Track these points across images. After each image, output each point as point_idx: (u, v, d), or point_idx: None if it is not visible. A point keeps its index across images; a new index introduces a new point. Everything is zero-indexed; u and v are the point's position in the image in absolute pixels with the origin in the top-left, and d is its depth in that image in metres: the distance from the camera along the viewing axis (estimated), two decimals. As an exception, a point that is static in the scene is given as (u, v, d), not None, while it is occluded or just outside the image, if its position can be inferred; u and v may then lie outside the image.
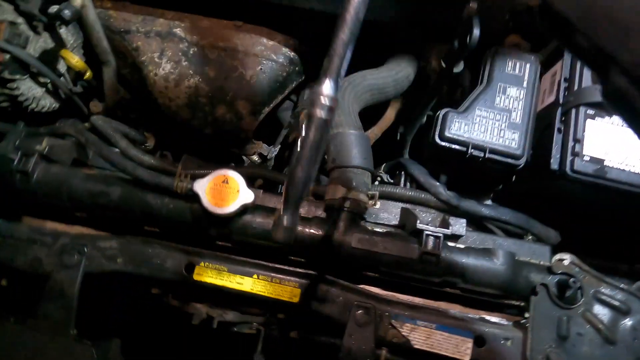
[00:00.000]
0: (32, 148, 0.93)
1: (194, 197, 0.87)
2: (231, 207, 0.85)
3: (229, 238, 0.92)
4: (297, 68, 1.20)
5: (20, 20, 1.00)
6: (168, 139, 1.29)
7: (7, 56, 0.94)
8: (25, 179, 0.92)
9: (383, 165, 1.15)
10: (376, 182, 1.14)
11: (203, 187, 0.86)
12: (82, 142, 0.95)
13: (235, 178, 0.87)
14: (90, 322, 0.93)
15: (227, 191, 0.86)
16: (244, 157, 1.34)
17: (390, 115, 1.27)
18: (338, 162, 0.93)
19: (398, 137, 1.37)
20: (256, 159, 1.35)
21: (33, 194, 0.93)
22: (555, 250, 1.04)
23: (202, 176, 0.87)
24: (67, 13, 0.92)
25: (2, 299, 1.00)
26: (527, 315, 0.90)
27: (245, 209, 0.88)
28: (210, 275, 0.93)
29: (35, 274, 0.94)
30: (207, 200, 0.86)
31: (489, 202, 1.14)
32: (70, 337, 0.88)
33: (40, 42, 1.06)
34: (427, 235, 0.88)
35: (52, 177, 0.92)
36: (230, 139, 1.23)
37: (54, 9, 0.99)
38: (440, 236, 0.88)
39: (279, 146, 1.34)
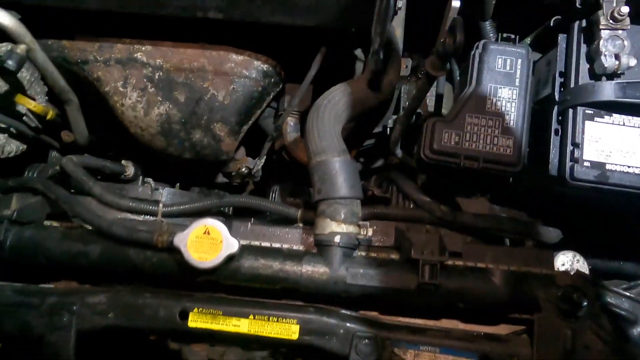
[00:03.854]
0: (1, 213, 0.88)
1: (177, 250, 0.83)
2: (215, 260, 0.81)
3: (218, 284, 0.89)
4: (272, 79, 1.11)
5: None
6: (148, 164, 1.23)
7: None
8: (-2, 246, 0.87)
9: (373, 179, 1.09)
10: (367, 195, 1.09)
11: (184, 240, 0.82)
12: (52, 199, 0.90)
13: (217, 227, 0.82)
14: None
15: (209, 242, 0.82)
16: (229, 175, 1.29)
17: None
18: (324, 194, 0.88)
19: (388, 132, 1.30)
20: (244, 171, 1.30)
21: (9, 260, 0.89)
22: (557, 247, 1.00)
23: (182, 229, 0.83)
24: (10, 64, 0.83)
25: (0, 361, 0.98)
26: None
27: (231, 257, 0.84)
28: (206, 320, 0.91)
29: (28, 337, 0.91)
30: (189, 255, 0.81)
31: (486, 203, 1.09)
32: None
33: (-9, 89, 0.98)
34: (424, 264, 0.84)
35: (26, 242, 0.88)
36: (211, 161, 1.16)
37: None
38: (437, 264, 0.84)
39: (265, 157, 1.28)
